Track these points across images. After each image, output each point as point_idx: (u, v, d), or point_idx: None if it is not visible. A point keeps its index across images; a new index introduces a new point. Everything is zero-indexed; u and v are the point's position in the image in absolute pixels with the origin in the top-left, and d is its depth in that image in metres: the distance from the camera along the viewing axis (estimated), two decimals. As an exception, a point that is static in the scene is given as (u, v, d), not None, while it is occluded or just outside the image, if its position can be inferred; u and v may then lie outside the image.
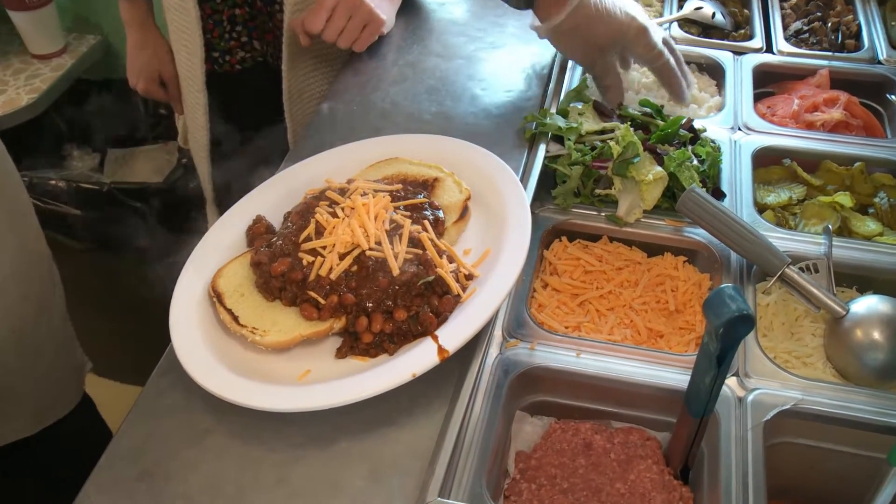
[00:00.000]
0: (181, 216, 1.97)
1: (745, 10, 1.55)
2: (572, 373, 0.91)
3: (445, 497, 0.76)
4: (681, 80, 1.22)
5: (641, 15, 1.20)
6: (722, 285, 0.71)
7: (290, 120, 1.48)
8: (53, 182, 2.05)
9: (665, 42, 1.21)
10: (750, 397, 0.87)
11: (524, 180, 1.09)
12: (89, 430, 1.57)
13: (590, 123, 1.17)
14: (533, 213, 1.09)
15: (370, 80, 1.31)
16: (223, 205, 1.74)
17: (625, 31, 1.17)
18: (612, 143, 1.08)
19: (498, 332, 0.94)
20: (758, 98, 1.35)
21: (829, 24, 1.45)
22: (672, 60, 1.21)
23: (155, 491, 0.76)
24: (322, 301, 0.84)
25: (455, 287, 0.86)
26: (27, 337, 1.24)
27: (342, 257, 0.85)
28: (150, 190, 2.03)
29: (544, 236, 1.08)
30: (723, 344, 0.73)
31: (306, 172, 1.04)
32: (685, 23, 1.50)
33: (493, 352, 0.92)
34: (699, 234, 1.06)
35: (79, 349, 1.45)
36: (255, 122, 1.63)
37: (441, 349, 0.80)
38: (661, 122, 1.16)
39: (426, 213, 0.93)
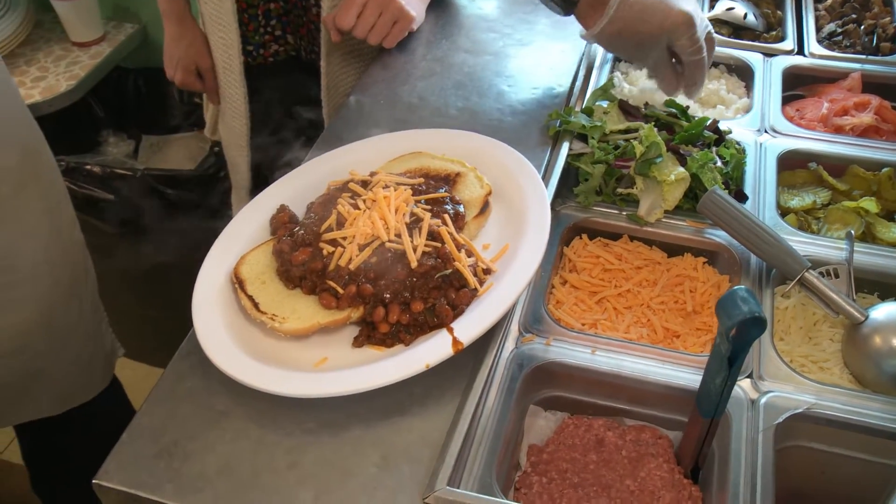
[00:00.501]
0: (211, 203, 2.01)
1: (779, 12, 1.54)
2: (587, 369, 0.92)
3: (455, 486, 0.77)
4: (703, 79, 1.20)
5: (687, 3, 1.16)
6: (735, 287, 0.72)
7: (326, 114, 1.51)
8: (89, 167, 2.10)
9: (708, 37, 1.19)
10: (763, 400, 0.87)
11: (546, 177, 1.10)
12: (115, 412, 1.61)
13: (614, 122, 1.18)
14: (554, 210, 1.10)
15: (398, 75, 1.32)
16: (253, 194, 1.78)
17: (669, 23, 1.14)
18: (635, 143, 1.09)
19: (514, 327, 0.95)
20: (787, 101, 1.34)
21: (864, 27, 1.44)
22: (706, 58, 1.18)
23: (172, 469, 0.78)
24: (341, 290, 0.85)
25: (472, 281, 0.87)
26: (57, 322, 1.28)
27: (362, 248, 0.87)
28: (181, 177, 2.07)
29: (565, 233, 1.09)
30: (734, 345, 0.74)
31: (330, 164, 1.06)
32: (716, 23, 1.49)
33: (509, 346, 0.93)
34: (720, 235, 1.06)
35: (110, 335, 1.48)
36: (288, 113, 1.66)
37: (456, 341, 0.82)
38: (685, 123, 1.16)
39: (447, 207, 0.94)
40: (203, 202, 2.04)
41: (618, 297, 1.04)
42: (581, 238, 1.10)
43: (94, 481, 0.78)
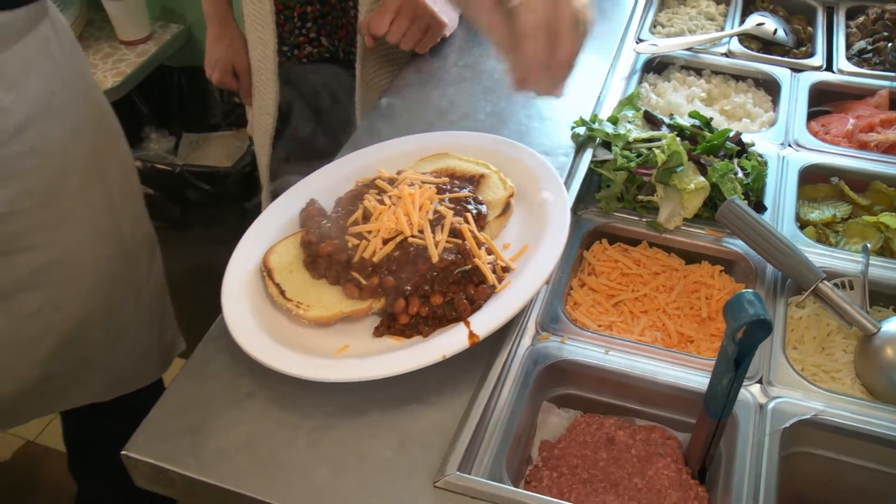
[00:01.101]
0: (246, 199, 2.06)
1: (809, 28, 1.55)
2: (600, 368, 0.94)
3: (466, 473, 0.79)
4: (537, 52, 0.85)
5: None
6: (742, 291, 0.74)
7: (358, 114, 1.55)
8: (131, 162, 2.16)
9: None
10: (771, 405, 0.89)
11: (569, 182, 1.12)
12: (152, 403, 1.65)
13: (638, 132, 1.20)
14: (576, 214, 1.13)
15: (430, 79, 1.36)
16: (277, 193, 1.83)
17: None
18: (657, 151, 1.10)
19: (531, 325, 0.98)
20: (814, 116, 1.35)
21: (892, 44, 1.44)
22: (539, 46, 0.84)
23: (197, 444, 0.82)
24: (364, 282, 0.89)
25: (491, 277, 0.90)
26: (114, 314, 1.31)
27: (385, 242, 0.90)
28: (219, 174, 2.12)
29: (585, 237, 1.11)
30: (740, 347, 0.75)
31: (360, 161, 1.09)
32: (746, 38, 1.50)
33: (526, 343, 0.95)
34: (737, 244, 1.07)
35: (172, 330, 1.51)
36: (318, 113, 1.71)
37: (472, 334, 0.84)
38: (708, 134, 1.18)
39: (469, 206, 0.97)
40: (238, 198, 2.09)
41: (634, 300, 1.06)
42: (601, 242, 1.13)
43: (122, 452, 0.82)
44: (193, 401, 0.86)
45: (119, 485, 1.76)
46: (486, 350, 0.89)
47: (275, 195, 1.81)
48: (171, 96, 2.49)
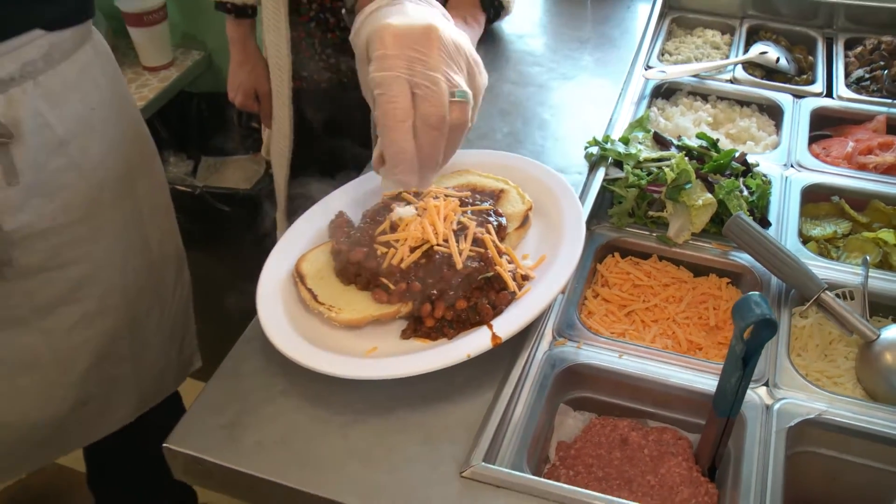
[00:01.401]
0: (263, 221, 2.11)
1: (810, 57, 1.61)
2: (614, 372, 0.99)
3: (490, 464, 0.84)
4: (399, 149, 0.88)
5: (426, 16, 0.86)
6: (750, 293, 0.79)
7: (375, 135, 1.61)
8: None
9: (433, 96, 0.85)
10: (777, 405, 0.93)
11: (583, 199, 1.18)
12: (172, 418, 1.68)
13: (648, 152, 1.26)
14: (589, 229, 1.18)
15: (449, 102, 1.42)
16: (292, 212, 1.88)
17: (369, 31, 0.87)
18: (666, 170, 1.16)
19: (549, 332, 1.03)
20: (815, 140, 1.41)
21: (891, 73, 1.50)
22: (393, 106, 0.85)
23: (234, 437, 0.87)
24: (392, 287, 0.94)
25: (511, 284, 0.95)
26: (140, 328, 1.34)
27: (412, 250, 0.96)
28: (238, 195, 2.18)
29: (598, 251, 1.17)
30: (748, 345, 0.80)
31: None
32: (750, 66, 1.57)
33: (543, 348, 1.01)
34: (743, 258, 1.13)
35: (192, 346, 1.53)
36: (334, 137, 1.77)
37: (494, 336, 0.90)
38: (715, 154, 1.23)
39: (490, 218, 1.03)
40: (256, 219, 2.15)
41: (645, 310, 1.11)
42: (613, 256, 1.18)
43: (164, 445, 0.87)
44: (230, 397, 0.91)
45: (136, 493, 1.80)
46: (507, 352, 0.94)
47: (290, 215, 1.88)
48: (190, 121, 2.56)
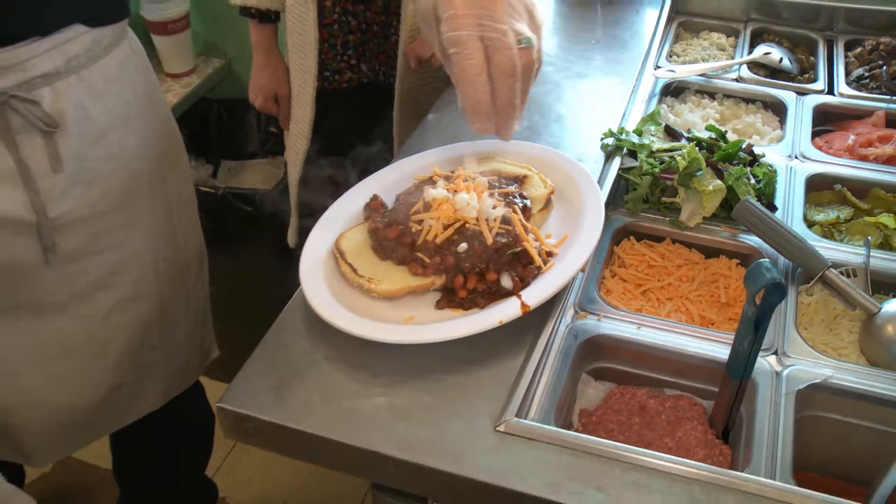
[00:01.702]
0: (282, 218, 2.18)
1: (812, 58, 1.69)
2: (633, 342, 1.05)
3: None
4: (475, 94, 0.96)
5: None
6: (760, 259, 0.85)
7: (397, 131, 1.68)
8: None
9: (504, 46, 0.93)
10: (786, 371, 1.00)
11: (600, 186, 1.24)
12: (197, 409, 1.73)
13: (660, 143, 1.33)
14: (606, 214, 1.24)
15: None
16: (303, 213, 1.94)
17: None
18: (678, 158, 1.23)
19: (571, 308, 1.09)
20: (818, 135, 1.48)
21: (889, 71, 1.58)
22: (470, 61, 0.93)
23: (282, 397, 0.93)
24: (427, 260, 1.01)
25: (537, 259, 1.02)
26: (169, 317, 1.41)
27: (445, 228, 1.02)
28: (258, 195, 2.26)
29: (615, 235, 1.23)
30: (759, 309, 0.87)
31: (414, 164, 1.22)
32: (754, 66, 1.64)
33: (566, 321, 1.07)
34: (752, 240, 1.19)
35: (210, 335, 1.59)
36: (354, 137, 1.84)
37: (523, 304, 0.96)
38: (724, 144, 1.30)
39: (516, 200, 1.10)
40: (276, 219, 2.22)
41: (660, 289, 1.17)
42: (629, 239, 1.25)
43: (217, 405, 0.93)
44: (276, 364, 0.98)
45: (161, 485, 1.85)
46: (535, 322, 1.01)
47: (301, 213, 1.92)
48: (210, 126, 2.64)
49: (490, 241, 1.01)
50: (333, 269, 1.06)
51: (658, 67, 1.62)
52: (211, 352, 1.61)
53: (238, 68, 2.58)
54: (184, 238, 1.42)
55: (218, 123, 2.61)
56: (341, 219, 1.13)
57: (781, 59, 1.64)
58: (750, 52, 1.68)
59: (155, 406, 1.47)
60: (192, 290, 1.48)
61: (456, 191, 1.07)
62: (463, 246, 1.01)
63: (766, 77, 1.61)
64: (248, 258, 2.12)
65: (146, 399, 1.45)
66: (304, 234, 1.87)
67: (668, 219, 1.24)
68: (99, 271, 1.26)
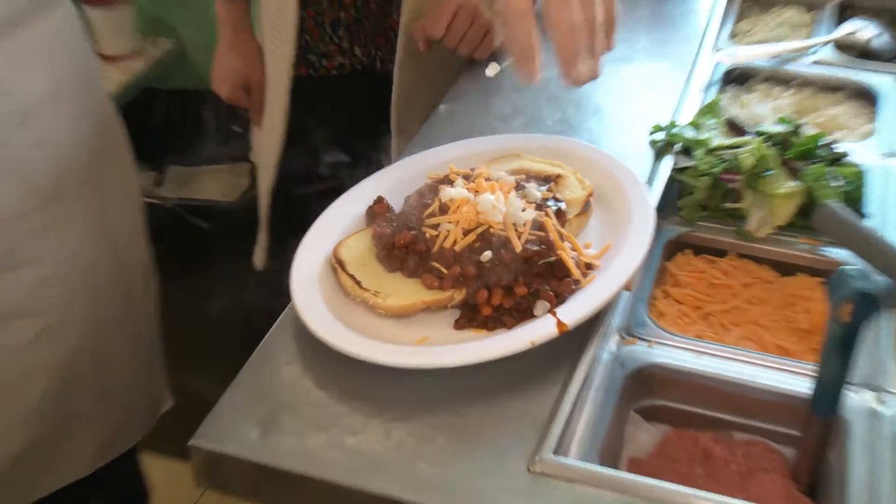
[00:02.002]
0: (251, 238, 2.24)
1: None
2: (692, 373, 1.12)
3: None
4: (523, 43, 1.12)
5: None
6: (843, 266, 0.93)
7: (395, 130, 1.76)
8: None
9: None
10: (886, 410, 1.05)
11: (649, 190, 1.33)
12: (127, 482, 1.70)
13: (720, 138, 1.41)
14: (656, 223, 1.32)
15: (490, 86, 1.58)
16: (277, 229, 2.01)
17: None
18: (744, 155, 1.31)
19: (616, 333, 1.17)
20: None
21: None
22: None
23: (270, 433, 1.00)
24: (444, 271, 1.09)
25: (575, 271, 1.10)
26: (106, 350, 1.40)
27: (466, 233, 1.10)
28: (220, 209, 2.32)
29: (668, 247, 1.32)
30: (847, 327, 0.94)
31: (424, 162, 1.31)
32: (840, 46, 1.73)
33: (610, 348, 1.15)
34: (838, 254, 1.27)
35: (161, 378, 1.61)
36: (344, 134, 1.92)
37: (560, 322, 1.04)
38: (799, 140, 1.39)
39: (549, 203, 1.18)
40: (241, 238, 2.28)
41: (724, 312, 1.25)
42: (685, 253, 1.33)
43: (189, 444, 1.00)
44: (262, 393, 1.05)
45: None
46: (573, 344, 1.08)
47: (273, 224, 1.96)
48: (155, 123, 2.70)
49: (519, 248, 1.09)
50: (331, 282, 1.14)
51: (718, 50, 1.71)
52: (161, 401, 1.63)
53: (194, 52, 2.64)
54: (125, 249, 1.45)
55: (167, 120, 2.67)
56: (339, 225, 1.22)
57: (873, 38, 1.73)
58: (834, 29, 1.78)
59: (81, 472, 1.44)
60: (135, 317, 1.49)
61: (478, 191, 1.15)
62: (487, 254, 1.09)
63: (854, 60, 1.70)
64: (204, 287, 2.18)
65: (71, 461, 1.43)
66: (278, 254, 1.94)
67: (732, 228, 1.32)
68: (20, 290, 1.28)
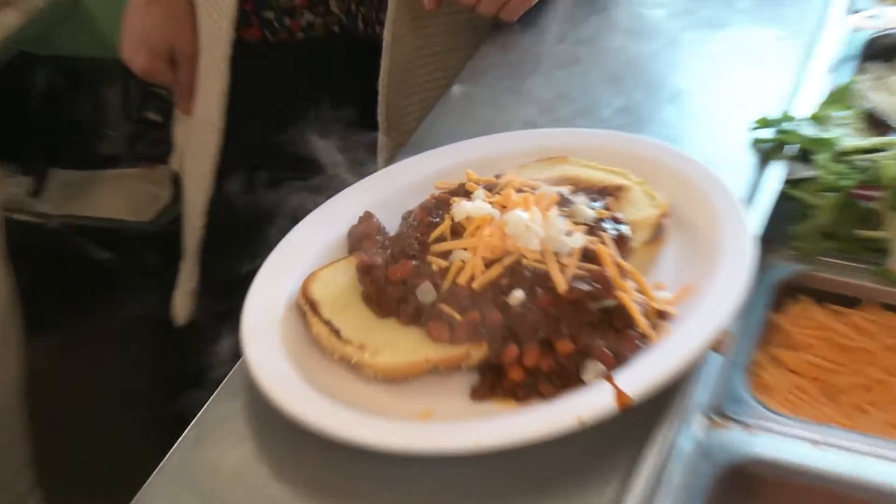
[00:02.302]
0: (169, 272, 2.26)
1: None
2: (810, 473, 1.16)
3: None
4: None
5: None
6: None
7: (383, 113, 1.81)
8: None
9: None
10: None
11: (749, 209, 1.37)
12: None
13: (855, 138, 1.48)
14: (761, 257, 1.37)
15: (524, 60, 1.65)
16: (210, 260, 2.08)
17: None
18: (888, 162, 1.37)
19: (701, 412, 1.22)
20: None
21: None
22: None
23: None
24: (458, 317, 1.14)
25: (641, 321, 1.15)
26: None
27: (489, 264, 1.16)
28: (128, 232, 2.34)
29: (777, 292, 1.37)
30: None
31: (431, 166, 1.38)
32: None
33: (693, 433, 1.20)
34: None
35: (24, 474, 1.68)
36: (312, 127, 1.97)
37: (620, 394, 1.07)
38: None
39: (605, 226, 1.23)
40: (156, 275, 2.31)
41: (861, 388, 1.30)
42: (800, 301, 1.39)
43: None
44: (194, 492, 1.10)
45: None
46: (638, 425, 1.12)
47: (205, 253, 2.00)
48: (32, 104, 2.69)
49: (563, 287, 1.14)
50: (298, 331, 1.20)
51: (855, 12, 1.78)
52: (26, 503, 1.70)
53: (90, 4, 2.67)
54: None
55: (49, 100, 2.66)
56: (308, 252, 1.28)
57: None
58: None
59: None
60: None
61: (505, 206, 1.21)
62: (517, 295, 1.14)
63: None
64: (101, 344, 2.19)
65: None
66: (211, 299, 1.99)
67: (869, 267, 1.38)
68: None
